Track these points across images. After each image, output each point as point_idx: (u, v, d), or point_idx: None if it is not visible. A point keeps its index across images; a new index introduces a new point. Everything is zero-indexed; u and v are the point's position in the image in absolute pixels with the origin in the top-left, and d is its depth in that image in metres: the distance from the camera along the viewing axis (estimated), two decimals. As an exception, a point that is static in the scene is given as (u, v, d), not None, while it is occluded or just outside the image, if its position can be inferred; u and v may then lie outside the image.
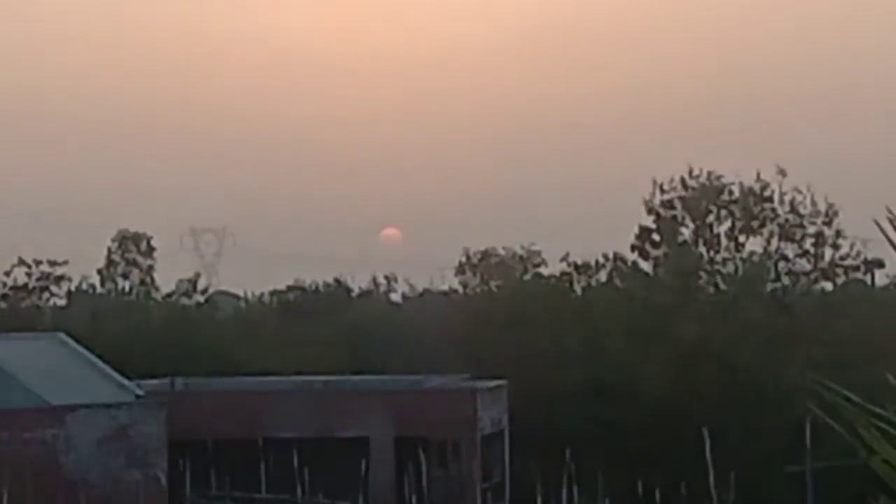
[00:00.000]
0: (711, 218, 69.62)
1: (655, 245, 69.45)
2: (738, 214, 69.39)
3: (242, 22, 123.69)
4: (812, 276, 69.35)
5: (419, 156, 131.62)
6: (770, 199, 69.22)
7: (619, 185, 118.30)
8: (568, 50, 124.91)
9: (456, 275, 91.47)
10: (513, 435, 56.33)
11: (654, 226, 69.46)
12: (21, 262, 75.33)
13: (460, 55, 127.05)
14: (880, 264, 66.91)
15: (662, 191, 69.59)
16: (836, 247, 68.65)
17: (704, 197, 69.39)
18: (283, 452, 50.25)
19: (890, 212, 4.17)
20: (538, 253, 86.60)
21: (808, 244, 69.03)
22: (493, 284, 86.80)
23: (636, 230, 69.61)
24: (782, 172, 68.98)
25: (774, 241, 69.44)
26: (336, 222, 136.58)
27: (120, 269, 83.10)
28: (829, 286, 69.34)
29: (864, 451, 4.04)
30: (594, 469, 44.77)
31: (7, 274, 74.83)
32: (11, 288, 74.49)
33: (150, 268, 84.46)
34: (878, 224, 4.18)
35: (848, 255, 68.34)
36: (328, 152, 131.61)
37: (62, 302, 76.04)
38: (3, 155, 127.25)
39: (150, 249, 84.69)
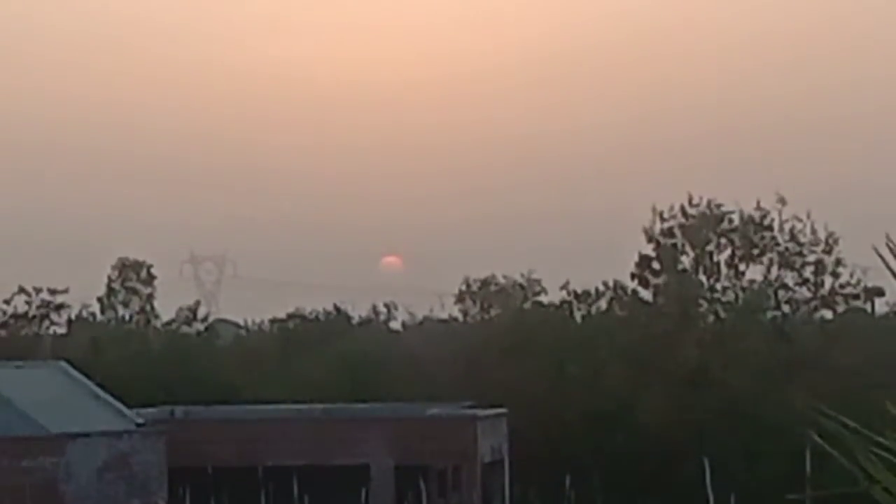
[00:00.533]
0: (711, 246, 69.69)
1: (655, 273, 69.50)
2: (737, 243, 69.46)
3: (244, 52, 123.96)
4: (812, 305, 69.36)
5: (420, 185, 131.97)
6: (770, 228, 69.31)
7: (619, 213, 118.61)
8: (568, 81, 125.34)
9: (456, 303, 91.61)
10: (513, 463, 56.32)
11: (654, 254, 69.52)
12: (21, 290, 75.39)
13: (463, 87, 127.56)
14: (880, 293, 66.96)
15: (662, 219, 69.69)
16: (835, 275, 68.72)
17: (704, 225, 69.48)
18: (282, 480, 50.27)
19: (889, 240, 4.21)
20: (538, 281, 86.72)
21: (807, 272, 69.08)
22: (492, 312, 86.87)
23: (636, 258, 69.69)
24: (782, 201, 69.12)
25: (774, 270, 69.50)
26: (336, 250, 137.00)
27: (120, 297, 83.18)
28: (829, 314, 69.35)
29: (864, 479, 4.06)
30: (594, 497, 44.76)
31: (7, 302, 74.92)
32: (12, 316, 74.54)
33: (150, 296, 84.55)
34: (877, 252, 4.21)
35: (848, 284, 68.40)
36: (329, 181, 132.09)
37: (62, 330, 76.04)
38: (3, 183, 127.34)
39: (150, 277, 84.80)
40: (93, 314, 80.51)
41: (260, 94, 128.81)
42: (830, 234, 68.77)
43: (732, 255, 69.69)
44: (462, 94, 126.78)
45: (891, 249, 4.22)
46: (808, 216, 69.11)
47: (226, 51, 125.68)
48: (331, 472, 53.05)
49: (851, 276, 68.23)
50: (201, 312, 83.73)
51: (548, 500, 46.46)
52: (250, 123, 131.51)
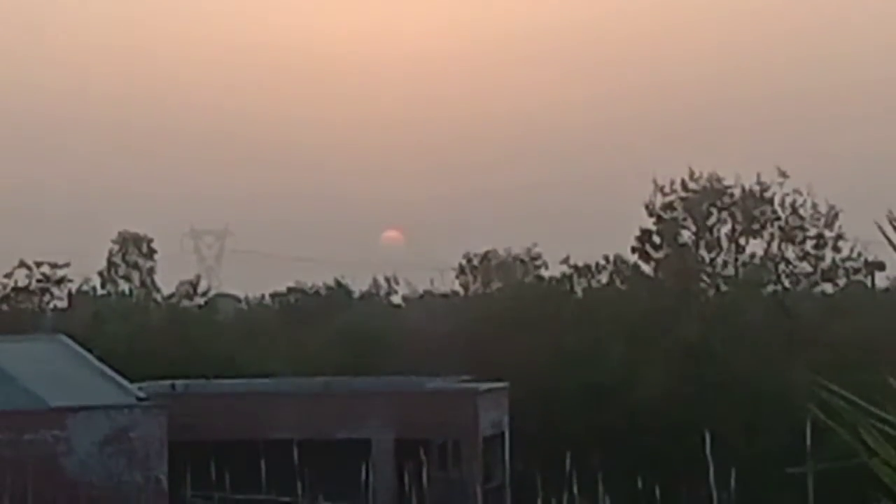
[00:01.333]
0: (712, 220, 69.70)
1: (656, 247, 69.53)
2: (738, 217, 69.44)
3: (243, 24, 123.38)
4: (812, 279, 69.39)
5: (420, 158, 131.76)
6: (771, 202, 69.29)
7: (620, 187, 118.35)
8: (569, 54, 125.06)
9: (456, 277, 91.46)
10: (513, 436, 56.35)
11: (654, 228, 69.53)
12: (22, 264, 75.40)
13: (461, 60, 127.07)
14: (881, 266, 67.00)
15: (663, 193, 69.70)
16: (837, 249, 68.74)
17: (705, 199, 69.46)
18: (283, 454, 50.27)
19: (891, 214, 4.21)
20: (539, 255, 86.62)
21: (808, 246, 69.10)
22: (493, 286, 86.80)
23: (637, 232, 69.72)
24: (783, 174, 69.05)
25: (775, 244, 69.51)
26: (337, 224, 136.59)
27: (121, 272, 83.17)
28: (829, 288, 69.40)
29: (864, 452, 4.07)
30: (595, 470, 44.80)
31: (8, 276, 74.92)
32: (13, 290, 74.55)
33: (151, 270, 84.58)
34: (879, 226, 4.22)
35: (849, 258, 68.43)
36: (329, 154, 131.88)
37: (63, 304, 76.09)
38: (4, 157, 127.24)
39: (151, 251, 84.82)
40: (94, 288, 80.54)
41: (260, 67, 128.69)
42: (831, 208, 68.80)
43: (733, 230, 69.71)
44: (462, 69, 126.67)
45: (892, 223, 4.23)
46: (810, 190, 69.19)
47: (224, 23, 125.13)
48: (331, 446, 53.09)
49: (852, 250, 68.34)
50: (202, 286, 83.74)
51: (548, 474, 46.49)
52: (250, 96, 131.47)
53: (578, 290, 72.59)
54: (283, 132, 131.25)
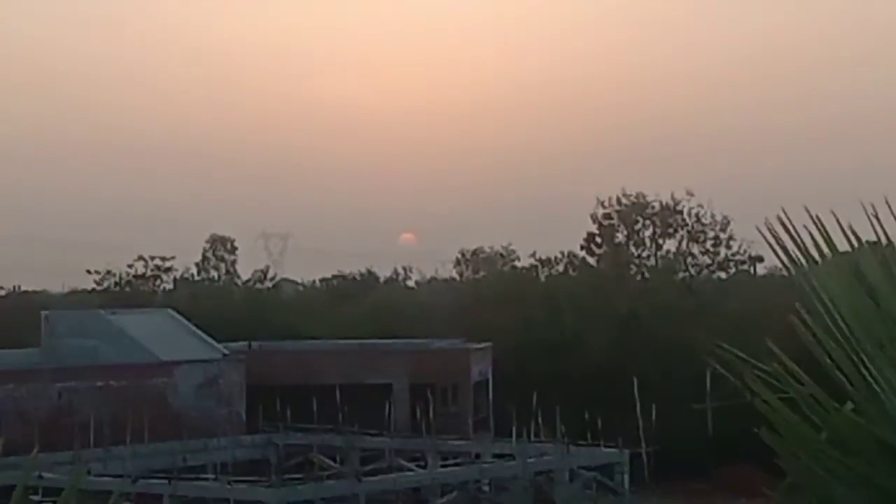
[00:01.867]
0: (638, 226, 69.67)
1: (598, 245, 69.55)
2: (657, 223, 69.45)
3: (309, 83, 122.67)
4: (711, 268, 69.43)
5: (430, 181, 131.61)
6: (681, 213, 69.26)
7: (573, 201, 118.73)
8: (537, 104, 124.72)
9: (454, 267, 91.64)
10: (494, 382, 56.36)
11: (597, 232, 69.58)
12: (140, 257, 75.50)
13: (457, 110, 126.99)
14: (760, 259, 67.04)
15: (603, 206, 69.71)
16: (728, 246, 68.74)
17: (633, 211, 69.47)
18: (328, 395, 50.32)
19: (768, 221, 4.26)
20: (513, 251, 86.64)
21: (708, 245, 69.11)
22: (480, 274, 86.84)
23: (584, 235, 69.81)
24: (690, 193, 69.18)
25: (684, 243, 69.54)
26: (368, 228, 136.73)
27: (211, 263, 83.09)
28: (723, 275, 69.38)
29: (748, 394, 4.10)
30: (553, 406, 44.81)
31: (130, 266, 75.01)
32: (133, 276, 74.65)
33: (233, 262, 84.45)
34: (759, 230, 4.26)
35: (737, 253, 68.50)
36: (364, 177, 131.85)
37: (170, 287, 76.07)
38: (125, 178, 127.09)
39: (233, 248, 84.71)
40: (192, 275, 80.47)
41: (315, 119, 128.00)
42: (724, 217, 68.82)
43: (654, 233, 69.66)
44: (456, 115, 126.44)
45: (769, 228, 4.27)
46: (709, 204, 69.20)
47: (293, 78, 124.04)
48: (363, 388, 53.08)
49: (739, 247, 68.35)
50: (270, 274, 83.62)
51: (519, 410, 46.53)
52: (312, 136, 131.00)
53: (542, 276, 72.53)
54: (331, 161, 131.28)
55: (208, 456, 44.73)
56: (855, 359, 3.98)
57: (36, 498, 32.68)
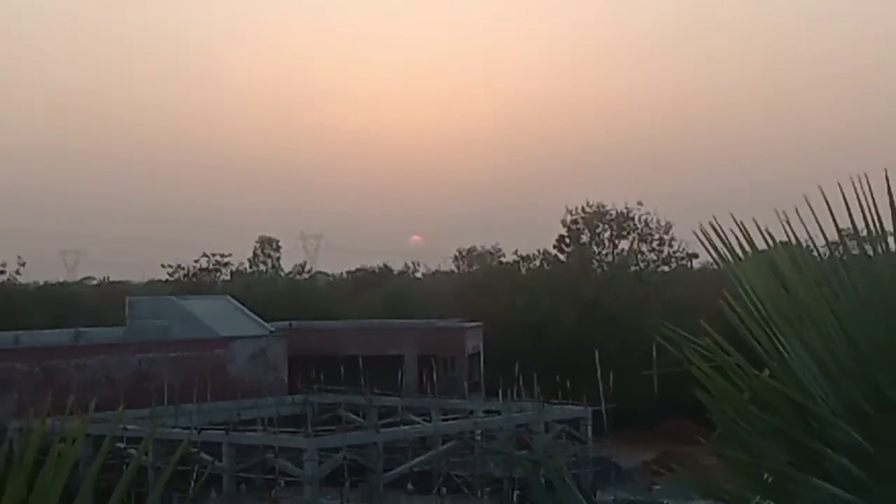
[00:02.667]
0: (599, 229, 69.59)
1: (567, 245, 69.46)
2: (614, 227, 69.37)
3: (338, 113, 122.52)
4: (656, 263, 69.36)
5: (434, 195, 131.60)
6: (633, 219, 69.19)
7: (547, 210, 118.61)
8: (519, 133, 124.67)
9: (453, 262, 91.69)
10: (485, 354, 56.40)
11: (566, 234, 69.52)
12: (204, 254, 75.45)
13: (456, 137, 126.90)
14: (696, 256, 67.01)
15: (571, 214, 69.59)
16: (670, 246, 68.58)
17: (595, 217, 69.37)
18: (352, 364, 50.37)
19: (701, 225, 4.26)
20: (500, 249, 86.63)
21: (654, 244, 69.03)
22: (474, 268, 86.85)
23: (556, 236, 69.74)
24: (640, 203, 69.18)
25: (635, 243, 69.45)
26: (385, 231, 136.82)
27: (260, 259, 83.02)
28: (666, 269, 69.29)
29: (686, 363, 4.09)
30: (531, 373, 44.80)
31: (196, 261, 74.96)
32: (199, 269, 74.65)
33: (278, 258, 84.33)
34: (695, 233, 4.26)
35: (677, 251, 68.37)
36: (383, 191, 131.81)
37: (227, 278, 76.05)
38: (195, 190, 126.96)
39: (278, 247, 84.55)
40: (245, 268, 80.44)
41: (345, 144, 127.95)
42: (668, 222, 68.76)
43: (611, 235, 69.59)
44: (456, 142, 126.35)
45: (703, 231, 4.28)
46: (655, 212, 69.15)
47: (329, 112, 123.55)
48: (381, 359, 53.12)
49: (679, 246, 68.26)
50: (307, 268, 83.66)
51: (504, 376, 46.48)
52: (342, 158, 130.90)
53: (523, 269, 72.47)
54: (353, 177, 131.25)
55: (257, 412, 44.77)
56: (770, 334, 4.00)
57: (121, 445, 32.68)
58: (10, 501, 3.06)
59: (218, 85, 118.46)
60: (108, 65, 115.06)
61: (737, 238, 4.16)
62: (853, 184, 4.01)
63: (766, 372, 3.98)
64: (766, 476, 3.96)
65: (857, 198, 4.00)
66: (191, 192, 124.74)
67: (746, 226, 4.17)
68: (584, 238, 69.55)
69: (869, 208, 4.01)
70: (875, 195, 4.01)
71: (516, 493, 37.58)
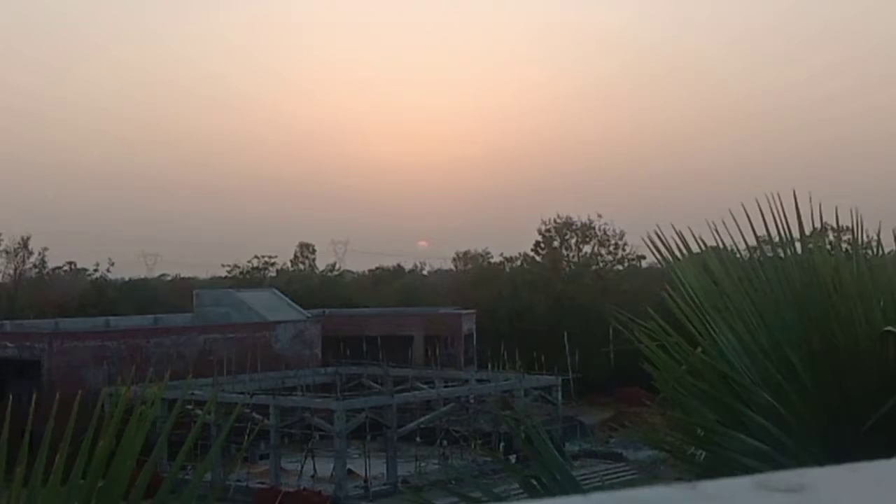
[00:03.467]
0: (567, 236, 69.44)
1: (542, 249, 69.32)
2: (579, 234, 69.21)
3: (361, 144, 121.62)
4: (612, 263, 69.15)
5: (439, 208, 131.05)
6: (594, 228, 69.07)
7: (527, 221, 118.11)
8: (504, 161, 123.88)
9: (452, 262, 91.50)
10: (477, 335, 56.28)
11: (541, 240, 69.42)
12: (255, 256, 75.19)
13: (456, 163, 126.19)
14: (643, 257, 66.69)
15: (545, 224, 69.46)
16: (624, 249, 68.40)
17: (564, 227, 69.22)
18: (373, 343, 50.30)
19: (648, 234, 4.25)
20: (489, 252, 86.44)
21: (611, 248, 68.85)
22: (468, 267, 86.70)
23: (534, 242, 69.65)
24: (599, 215, 69.05)
25: (596, 247, 69.30)
26: (397, 237, 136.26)
27: (300, 260, 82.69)
28: (620, 267, 69.11)
29: (636, 342, 4.08)
30: (513, 351, 44.73)
31: (249, 261, 74.72)
32: (251, 268, 74.43)
33: (314, 259, 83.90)
34: (643, 239, 4.25)
35: (629, 254, 68.15)
36: (397, 206, 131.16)
37: (273, 275, 75.82)
38: (249, 204, 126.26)
39: (313, 250, 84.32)
40: (287, 268, 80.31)
41: (369, 169, 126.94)
42: (621, 231, 68.60)
43: (577, 241, 69.41)
44: (456, 168, 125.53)
45: (649, 238, 4.26)
46: (611, 222, 69.06)
47: (356, 143, 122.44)
48: (395, 339, 53.06)
49: (630, 249, 68.08)
50: (336, 267, 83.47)
51: (492, 352, 46.41)
52: (366, 181, 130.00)
53: (507, 268, 72.31)
54: (376, 196, 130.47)
55: (297, 380, 44.68)
56: (702, 319, 4.00)
57: (189, 407, 32.58)
58: (102, 451, 3.07)
59: (270, 123, 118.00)
60: (183, 105, 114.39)
61: (676, 243, 4.17)
62: (768, 201, 4.02)
63: (699, 349, 3.99)
64: (699, 431, 3.96)
65: (771, 211, 4.02)
66: (246, 207, 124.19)
67: (683, 233, 4.18)
68: (556, 243, 69.40)
69: (780, 220, 4.02)
70: (785, 210, 4.02)
71: (502, 444, 37.52)
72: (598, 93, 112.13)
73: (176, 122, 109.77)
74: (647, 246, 4.19)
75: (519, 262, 71.75)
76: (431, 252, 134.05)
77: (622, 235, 68.31)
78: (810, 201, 4.03)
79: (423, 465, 38.63)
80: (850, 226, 4.06)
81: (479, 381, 44.45)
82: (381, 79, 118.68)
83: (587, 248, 69.43)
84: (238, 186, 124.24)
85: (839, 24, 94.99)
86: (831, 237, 4.48)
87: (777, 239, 4.08)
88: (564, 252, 69.42)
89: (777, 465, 3.61)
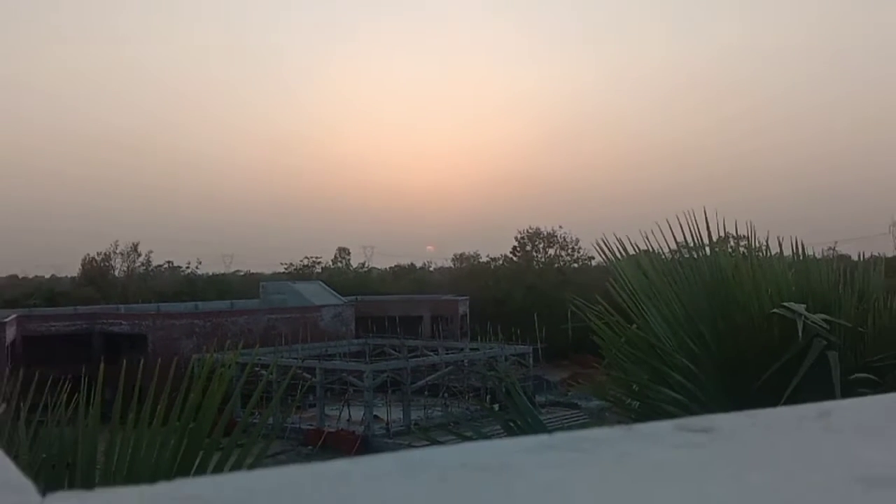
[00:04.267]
0: (537, 242, 69.30)
1: (518, 251, 69.13)
2: (546, 241, 69.05)
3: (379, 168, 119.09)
4: (570, 263, 68.90)
5: (443, 220, 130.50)
6: (556, 235, 68.92)
7: (506, 231, 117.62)
8: (488, 181, 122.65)
9: (451, 261, 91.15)
10: (470, 316, 56.07)
11: (517, 245, 69.26)
12: (306, 257, 74.87)
13: (456, 183, 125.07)
14: (593, 257, 66.35)
15: (520, 233, 69.37)
16: (579, 252, 68.28)
17: (535, 236, 69.12)
18: (393, 321, 50.11)
19: (597, 240, 4.21)
20: (478, 254, 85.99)
21: (570, 251, 68.68)
22: (464, 265, 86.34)
23: (511, 246, 69.50)
24: (560, 226, 68.91)
25: (558, 250, 69.11)
26: (412, 242, 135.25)
27: (338, 260, 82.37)
28: (576, 265, 68.76)
29: (588, 320, 4.07)
30: (496, 330, 44.50)
31: (301, 260, 74.41)
32: (302, 266, 73.95)
33: (349, 260, 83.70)
34: (594, 245, 4.22)
35: (583, 255, 67.87)
36: (412, 217, 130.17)
37: (319, 271, 75.51)
38: (300, 214, 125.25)
39: (348, 253, 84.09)
40: (329, 265, 79.99)
41: (389, 192, 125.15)
42: (577, 238, 68.48)
43: (544, 245, 69.24)
44: (455, 188, 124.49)
45: (598, 243, 4.23)
46: (570, 231, 68.91)
47: (383, 166, 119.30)
48: (410, 318, 52.87)
49: (584, 252, 67.74)
50: (366, 265, 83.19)
51: (481, 329, 46.16)
52: (388, 195, 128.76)
53: (493, 266, 72.12)
54: (395, 209, 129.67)
55: (336, 349, 44.57)
56: (636, 304, 4.00)
57: (256, 369, 32.51)
58: (192, 402, 3.07)
59: (314, 157, 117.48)
60: (259, 148, 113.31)
61: (617, 247, 4.17)
62: (685, 215, 4.03)
63: (634, 325, 3.99)
64: (634, 386, 3.96)
65: (687, 223, 4.03)
66: (299, 220, 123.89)
67: (623, 240, 4.18)
68: (528, 247, 69.23)
69: (694, 230, 4.03)
70: (697, 222, 4.03)
71: (488, 396, 37.45)
72: (558, 137, 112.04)
73: (255, 161, 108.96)
74: (596, 249, 4.21)
75: (501, 261, 71.51)
76: (436, 254, 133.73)
77: (577, 241, 68.30)
78: (716, 216, 4.05)
79: (429, 411, 38.58)
80: (745, 234, 4.08)
81: (471, 349, 44.33)
82: (396, 123, 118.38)
83: (551, 251, 69.28)
84: (293, 204, 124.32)
85: (745, 83, 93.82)
86: (732, 243, 4.48)
87: (692, 244, 4.09)
88: (535, 254, 69.26)
89: (692, 412, 3.61)
